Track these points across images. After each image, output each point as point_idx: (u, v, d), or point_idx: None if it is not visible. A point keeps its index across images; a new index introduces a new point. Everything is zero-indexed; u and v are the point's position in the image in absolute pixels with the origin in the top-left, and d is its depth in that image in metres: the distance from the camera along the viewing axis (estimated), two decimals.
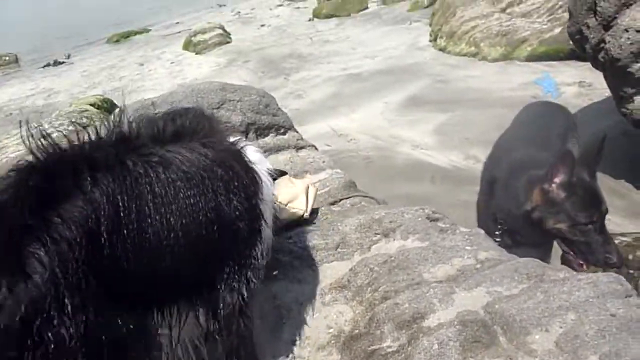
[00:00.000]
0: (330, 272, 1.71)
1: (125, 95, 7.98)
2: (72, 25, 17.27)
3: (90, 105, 6.60)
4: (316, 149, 3.26)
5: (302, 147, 3.19)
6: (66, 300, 0.94)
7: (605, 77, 3.59)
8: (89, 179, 1.05)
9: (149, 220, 1.07)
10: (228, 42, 10.47)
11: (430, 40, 8.08)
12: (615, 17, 3.03)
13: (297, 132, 3.23)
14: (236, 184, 1.22)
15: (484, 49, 6.93)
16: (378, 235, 1.77)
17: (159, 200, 1.09)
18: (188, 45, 10.54)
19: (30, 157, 1.10)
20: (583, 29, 3.24)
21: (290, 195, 2.04)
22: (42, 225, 0.98)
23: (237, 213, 1.21)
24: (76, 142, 1.17)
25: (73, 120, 5.53)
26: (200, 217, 1.13)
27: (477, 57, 6.96)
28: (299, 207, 2.03)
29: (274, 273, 1.73)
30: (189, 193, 1.13)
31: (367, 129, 5.45)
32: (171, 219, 1.09)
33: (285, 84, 7.48)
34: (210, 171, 1.19)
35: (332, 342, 1.49)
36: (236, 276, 1.21)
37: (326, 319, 1.57)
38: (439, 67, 7.00)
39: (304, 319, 1.59)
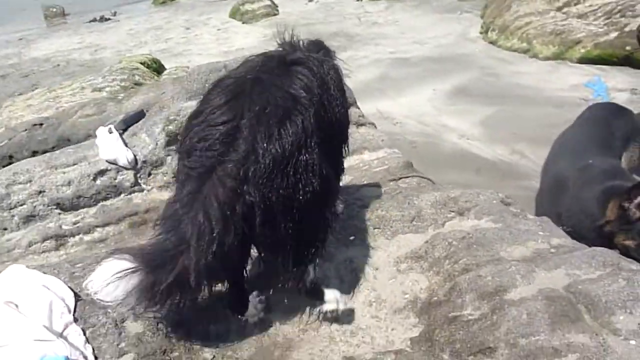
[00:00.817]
0: (405, 242, 1.78)
1: (172, 57, 8.12)
2: None
3: (140, 63, 6.72)
4: (375, 127, 3.33)
5: (362, 124, 3.25)
6: None
7: None
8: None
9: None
10: (275, 15, 10.49)
11: (481, 32, 8.01)
12: None
13: (358, 108, 3.30)
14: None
15: (536, 46, 6.86)
16: (453, 213, 1.84)
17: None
18: (235, 14, 10.59)
19: None
20: None
21: None
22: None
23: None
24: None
25: (125, 77, 5.66)
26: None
27: (528, 54, 6.90)
28: None
29: (351, 238, 1.81)
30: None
31: (413, 114, 5.48)
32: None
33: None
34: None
35: (409, 306, 1.57)
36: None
37: (402, 285, 1.64)
38: (488, 60, 6.96)
39: (380, 283, 1.67)
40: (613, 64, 6.29)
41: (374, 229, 1.82)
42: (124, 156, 2.98)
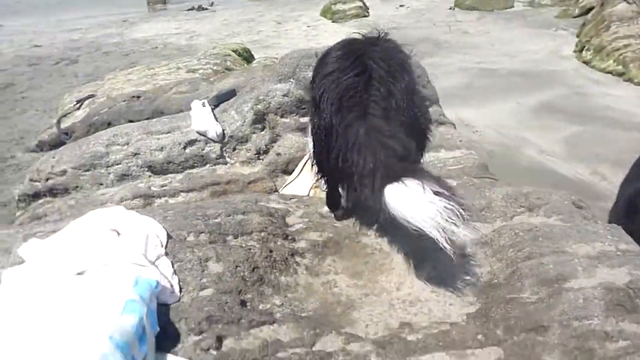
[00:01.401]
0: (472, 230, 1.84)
1: (262, 48, 8.45)
2: None
3: (233, 51, 7.06)
4: (455, 127, 3.38)
5: (442, 123, 3.31)
6: None
7: None
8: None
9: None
10: (365, 16, 10.65)
11: (575, 51, 7.77)
12: None
13: (440, 107, 3.36)
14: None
15: (632, 70, 6.58)
16: (522, 208, 1.88)
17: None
18: (326, 12, 10.84)
19: None
20: None
21: None
22: None
23: None
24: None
25: (218, 61, 5.99)
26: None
27: (623, 77, 6.63)
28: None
29: None
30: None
31: (494, 125, 5.44)
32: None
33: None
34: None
35: (469, 286, 1.64)
36: None
37: (464, 267, 1.72)
38: (579, 80, 6.76)
39: (442, 263, 1.75)
40: None
41: None
42: (214, 129, 3.20)
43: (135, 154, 3.31)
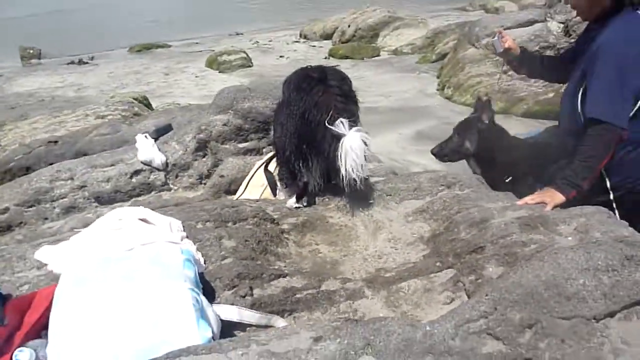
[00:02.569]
0: (410, 204, 2.43)
1: (156, 98, 8.70)
2: (89, 30, 18.07)
3: (134, 99, 7.28)
4: None
5: None
6: None
7: None
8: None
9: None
10: (249, 66, 11.32)
11: (438, 90, 9.02)
12: None
13: None
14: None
15: None
16: (443, 186, 2.50)
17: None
18: (212, 63, 11.34)
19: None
20: None
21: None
22: None
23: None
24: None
25: (125, 107, 6.22)
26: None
27: None
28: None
29: (370, 201, 2.45)
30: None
31: (384, 152, 6.23)
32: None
33: None
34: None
35: (418, 239, 2.21)
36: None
37: (411, 229, 2.29)
38: (445, 112, 7.90)
39: (394, 228, 2.30)
40: (551, 119, 7.31)
41: (387, 196, 2.46)
42: (159, 158, 3.53)
43: (82, 186, 3.52)
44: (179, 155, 3.62)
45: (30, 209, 3.50)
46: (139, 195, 3.58)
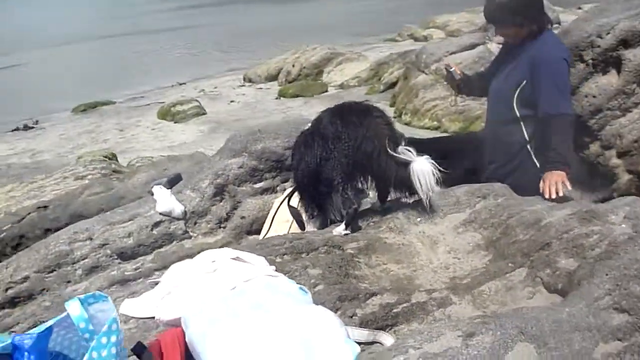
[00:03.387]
0: (454, 217, 2.63)
1: (119, 154, 8.61)
2: (22, 94, 17.55)
3: (104, 157, 7.20)
4: None
5: None
6: None
7: None
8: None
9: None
10: (204, 114, 11.40)
11: (395, 117, 9.45)
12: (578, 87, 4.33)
13: None
14: None
15: (445, 123, 8.34)
16: (479, 198, 2.72)
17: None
18: (165, 115, 11.34)
19: None
20: None
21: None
22: None
23: None
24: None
25: (102, 165, 6.15)
26: None
27: (440, 130, 8.35)
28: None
29: (418, 219, 2.63)
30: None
31: None
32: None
33: None
34: None
35: (476, 248, 2.39)
36: None
37: (464, 239, 2.47)
38: (408, 135, 8.29)
39: (449, 240, 2.48)
40: None
41: (430, 213, 2.65)
42: (178, 208, 3.57)
43: (103, 244, 3.49)
44: (196, 202, 3.67)
45: (51, 274, 3.43)
46: (160, 246, 3.58)
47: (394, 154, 2.50)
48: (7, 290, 3.40)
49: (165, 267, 3.53)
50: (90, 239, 3.53)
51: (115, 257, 3.50)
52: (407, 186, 2.53)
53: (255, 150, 3.63)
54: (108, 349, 1.31)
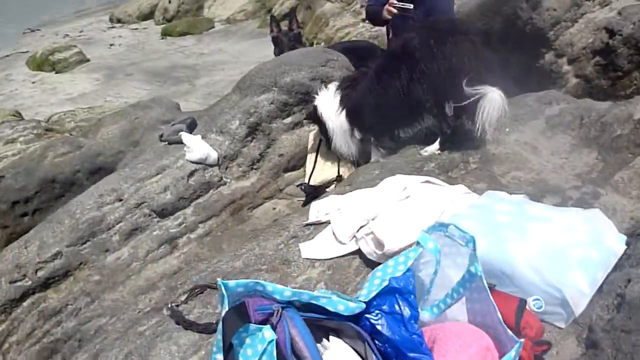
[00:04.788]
0: (534, 125, 2.81)
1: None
2: None
3: (12, 115, 6.23)
4: None
5: None
6: None
7: None
8: None
9: None
10: (88, 61, 10.25)
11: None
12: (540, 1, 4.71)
13: None
14: None
15: None
16: (546, 104, 2.93)
17: None
18: (42, 65, 10.00)
19: None
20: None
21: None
22: None
23: None
24: None
25: (33, 124, 5.35)
26: None
27: None
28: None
29: (507, 136, 2.77)
30: None
31: None
32: None
33: (194, 89, 7.97)
34: None
35: (575, 147, 2.62)
36: None
37: (558, 141, 2.68)
38: None
39: (544, 145, 2.68)
40: None
41: (506, 129, 2.80)
42: (214, 153, 3.33)
43: (140, 204, 3.17)
44: (227, 145, 3.43)
45: (86, 245, 3.06)
46: (198, 197, 3.34)
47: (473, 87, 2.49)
48: (37, 271, 2.97)
49: (209, 218, 3.34)
50: (121, 199, 3.17)
51: (155, 215, 3.20)
52: (474, 113, 2.55)
53: (285, 84, 3.45)
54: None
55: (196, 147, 3.28)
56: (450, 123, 2.73)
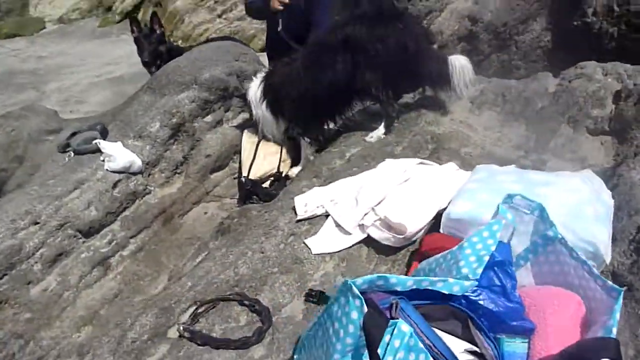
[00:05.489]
0: (462, 103, 3.05)
1: None
2: None
3: None
4: None
5: None
6: None
7: None
8: None
9: None
10: None
11: None
12: None
13: None
14: None
15: None
16: None
17: None
18: None
19: None
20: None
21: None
22: None
23: None
24: None
25: None
26: None
27: None
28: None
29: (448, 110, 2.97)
30: None
31: None
32: None
33: (44, 95, 7.13)
34: None
35: (504, 122, 2.89)
36: None
37: (487, 118, 2.94)
38: None
39: (477, 121, 2.92)
40: None
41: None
42: (137, 160, 3.06)
43: (61, 225, 2.79)
44: (148, 150, 3.17)
45: (3, 279, 2.63)
46: (124, 210, 3.05)
47: (432, 49, 2.71)
48: None
49: (140, 232, 3.06)
50: (37, 222, 2.77)
51: (80, 235, 2.85)
52: (446, 81, 2.77)
53: (205, 80, 3.28)
54: None
55: (118, 155, 2.98)
56: (396, 106, 2.84)
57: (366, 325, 1.13)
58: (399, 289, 1.23)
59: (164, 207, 3.15)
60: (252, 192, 3.09)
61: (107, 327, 2.34)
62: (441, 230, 1.86)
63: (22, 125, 3.90)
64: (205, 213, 3.28)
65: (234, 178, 3.25)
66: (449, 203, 1.92)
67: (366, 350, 1.15)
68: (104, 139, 3.11)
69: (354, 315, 1.16)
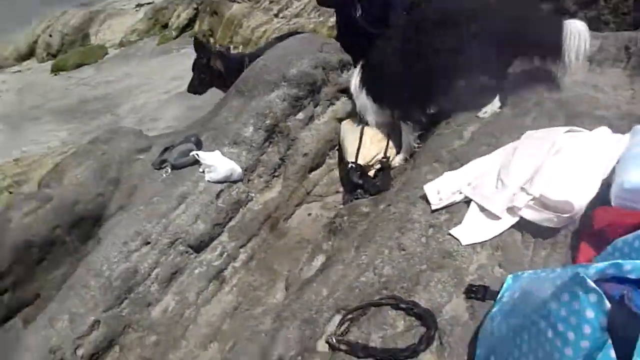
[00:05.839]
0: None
1: None
2: None
3: None
4: None
5: None
6: None
7: None
8: None
9: None
10: None
11: None
12: None
13: None
14: None
15: None
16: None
17: None
18: None
19: None
20: None
21: None
22: None
23: None
24: None
25: None
26: None
27: None
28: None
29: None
30: None
31: None
32: None
33: (120, 118, 7.28)
34: None
35: (626, 83, 2.57)
36: None
37: (611, 78, 2.62)
38: None
39: (602, 81, 2.61)
40: None
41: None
42: (237, 169, 2.95)
43: (172, 242, 2.71)
44: (245, 156, 3.06)
45: (123, 304, 2.57)
46: (230, 220, 2.94)
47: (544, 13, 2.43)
48: (76, 350, 2.43)
49: (249, 240, 2.95)
50: (148, 242, 2.70)
51: (191, 251, 2.77)
52: (557, 51, 2.45)
53: (294, 76, 3.13)
54: None
55: (219, 164, 2.88)
56: (509, 78, 2.59)
57: (614, 325, 0.92)
58: (632, 276, 1.01)
59: (269, 213, 3.02)
60: (358, 185, 2.91)
61: (240, 344, 2.24)
62: (612, 203, 1.61)
63: (112, 148, 3.89)
64: (309, 214, 3.14)
65: (344, 168, 3.07)
66: (613, 171, 1.67)
67: (610, 355, 0.94)
68: (200, 150, 3.03)
69: (589, 314, 0.95)
